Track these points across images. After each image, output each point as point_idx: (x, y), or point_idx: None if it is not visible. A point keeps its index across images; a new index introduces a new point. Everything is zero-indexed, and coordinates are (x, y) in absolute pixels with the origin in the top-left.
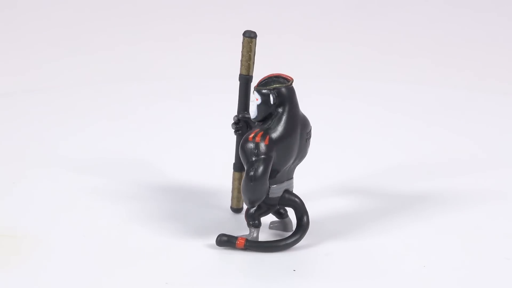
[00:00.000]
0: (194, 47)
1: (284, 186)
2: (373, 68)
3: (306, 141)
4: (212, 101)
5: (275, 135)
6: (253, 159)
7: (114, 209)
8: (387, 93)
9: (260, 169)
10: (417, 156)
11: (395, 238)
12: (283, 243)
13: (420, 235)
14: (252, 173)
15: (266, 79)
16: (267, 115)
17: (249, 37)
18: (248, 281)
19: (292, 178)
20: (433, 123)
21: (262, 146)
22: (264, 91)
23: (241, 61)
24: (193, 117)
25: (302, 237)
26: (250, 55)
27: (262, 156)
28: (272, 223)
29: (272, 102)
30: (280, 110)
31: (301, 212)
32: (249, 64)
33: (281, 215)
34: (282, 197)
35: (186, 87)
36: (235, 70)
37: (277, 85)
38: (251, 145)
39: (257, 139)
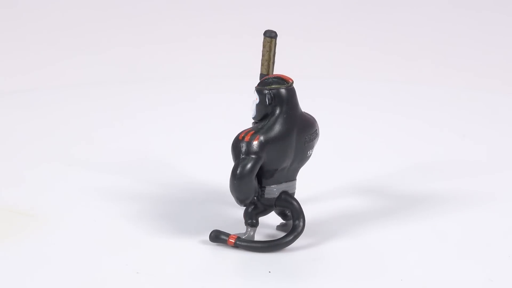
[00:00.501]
0: (208, 47)
1: (282, 187)
2: (371, 68)
3: (305, 144)
4: (233, 100)
5: (266, 135)
6: (241, 157)
7: (121, 205)
8: (386, 94)
9: (245, 168)
10: (417, 157)
11: (393, 238)
12: (274, 244)
13: (419, 236)
14: (237, 171)
15: (265, 79)
16: (265, 115)
17: (269, 36)
18: (235, 279)
19: (293, 180)
20: (434, 124)
21: (251, 146)
22: (261, 90)
23: (261, 60)
24: (210, 116)
25: (294, 240)
26: (270, 55)
27: (251, 156)
28: (280, 224)
29: (267, 102)
30: (276, 110)
31: (297, 215)
32: (268, 64)
33: (286, 217)
34: (278, 198)
35: (205, 85)
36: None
37: (275, 86)
38: (240, 144)
39: (247, 138)
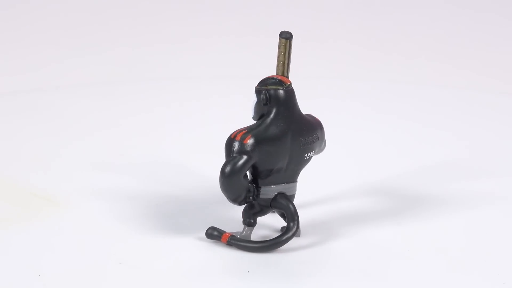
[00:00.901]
0: (217, 47)
1: (279, 188)
2: (371, 68)
3: (301, 147)
4: (234, 100)
5: (258, 135)
6: (231, 156)
7: (124, 202)
8: (387, 94)
9: (234, 166)
10: (419, 158)
11: (394, 239)
12: (266, 244)
13: (419, 237)
14: (225, 169)
15: (264, 79)
16: (262, 115)
17: (285, 38)
18: (224, 276)
19: (292, 182)
20: (435, 125)
21: (242, 145)
22: (259, 91)
23: (277, 61)
24: (210, 116)
25: (287, 242)
26: (285, 56)
27: (242, 155)
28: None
29: (263, 103)
30: (272, 111)
31: (291, 217)
32: (283, 65)
33: None
34: (274, 199)
35: (205, 86)
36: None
37: (272, 87)
38: (232, 143)
39: (238, 137)
